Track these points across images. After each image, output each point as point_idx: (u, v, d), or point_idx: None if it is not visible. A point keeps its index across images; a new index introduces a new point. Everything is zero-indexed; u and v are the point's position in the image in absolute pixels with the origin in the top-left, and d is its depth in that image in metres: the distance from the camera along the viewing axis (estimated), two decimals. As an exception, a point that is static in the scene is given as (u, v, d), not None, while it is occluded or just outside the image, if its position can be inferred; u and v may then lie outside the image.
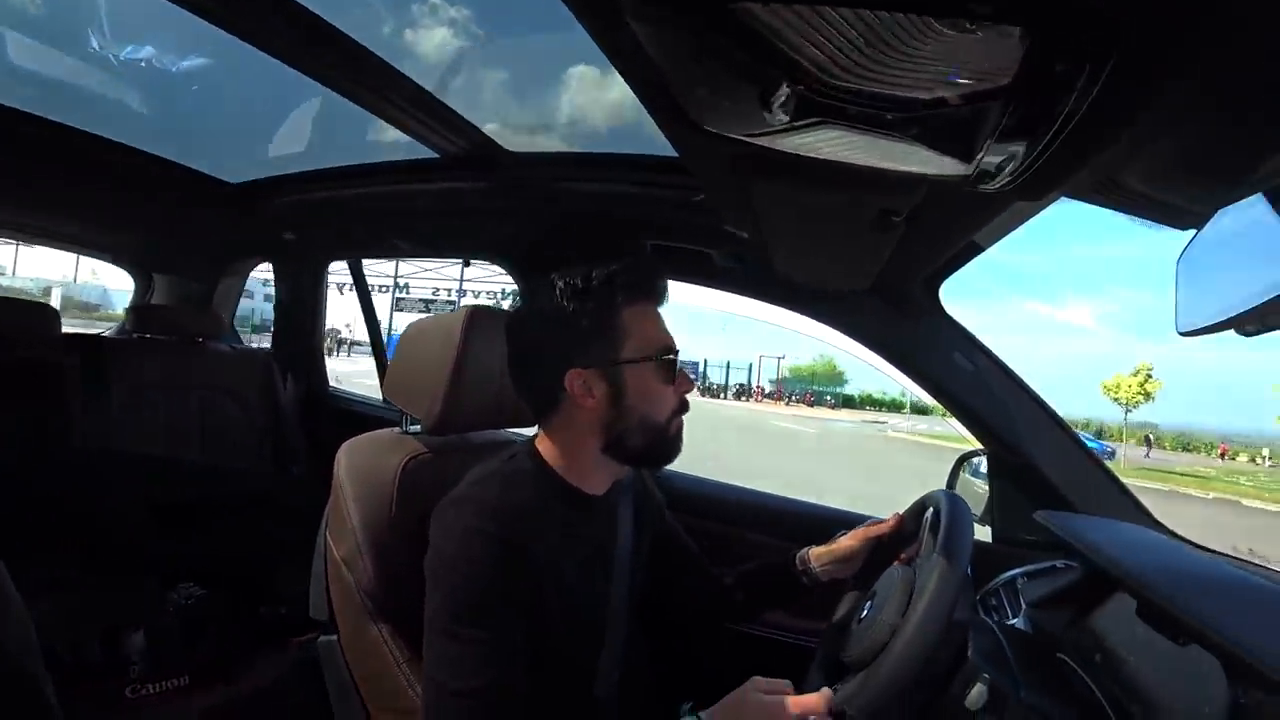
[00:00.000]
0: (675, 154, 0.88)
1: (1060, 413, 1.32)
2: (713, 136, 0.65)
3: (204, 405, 2.16)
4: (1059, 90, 0.49)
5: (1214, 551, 1.19)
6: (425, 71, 1.23)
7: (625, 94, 0.85)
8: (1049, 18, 0.41)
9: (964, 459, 1.65)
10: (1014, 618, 1.13)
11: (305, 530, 1.17)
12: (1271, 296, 0.50)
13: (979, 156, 0.61)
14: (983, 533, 1.36)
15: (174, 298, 2.69)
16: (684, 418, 0.90)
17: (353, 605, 0.99)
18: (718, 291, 1.51)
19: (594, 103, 1.28)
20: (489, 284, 19.15)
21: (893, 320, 1.35)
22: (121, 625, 1.77)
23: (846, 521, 1.20)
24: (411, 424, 1.12)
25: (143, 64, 1.54)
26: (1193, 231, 0.62)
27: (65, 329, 2.09)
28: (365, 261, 2.41)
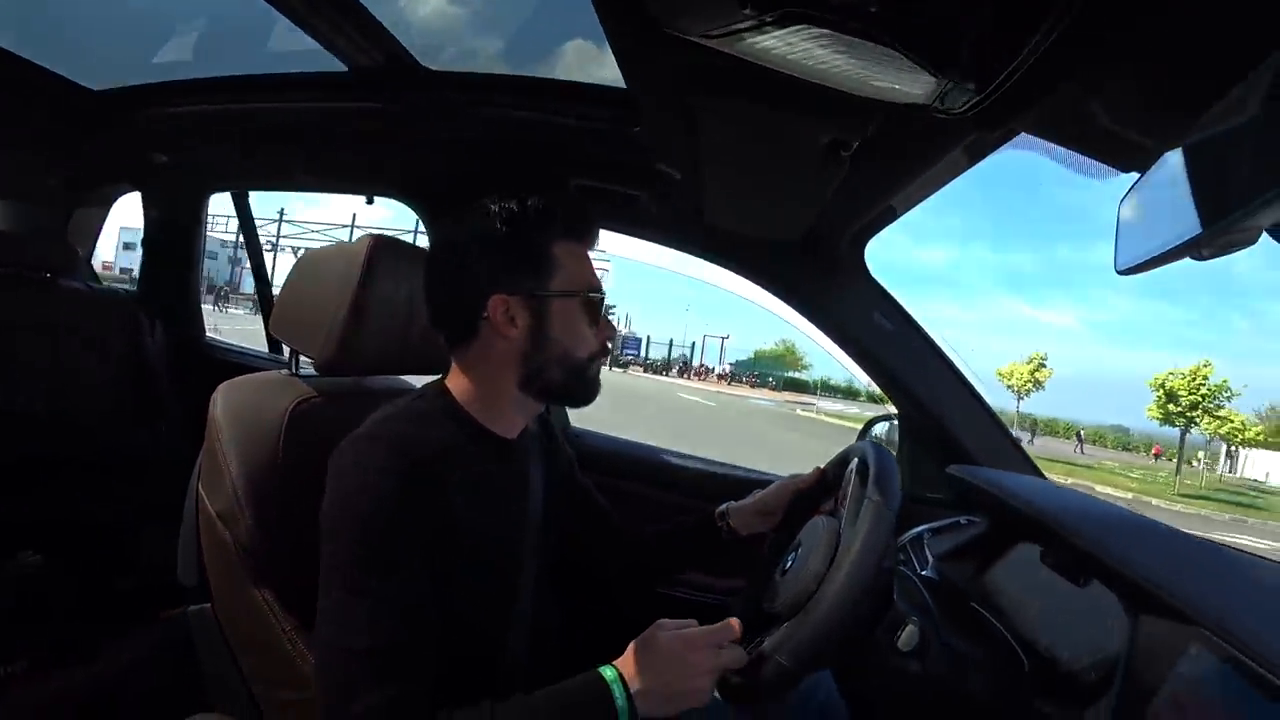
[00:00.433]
0: (610, 84, 0.82)
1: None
2: (667, 44, 0.58)
3: (53, 350, 1.84)
4: (1029, 19, 0.47)
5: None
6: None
7: (565, 9, 0.76)
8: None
9: (871, 424, 1.71)
10: (922, 570, 1.17)
11: (171, 491, 1.04)
12: (1231, 217, 0.49)
13: (941, 80, 0.58)
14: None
15: (20, 227, 2.28)
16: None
17: (230, 567, 0.88)
18: (641, 241, 1.45)
19: (527, 20, 1.16)
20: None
21: (817, 276, 1.34)
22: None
23: (761, 483, 1.19)
24: (303, 369, 1.00)
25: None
26: (1134, 175, 0.62)
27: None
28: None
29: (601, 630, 1.36)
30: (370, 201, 1.58)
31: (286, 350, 1.01)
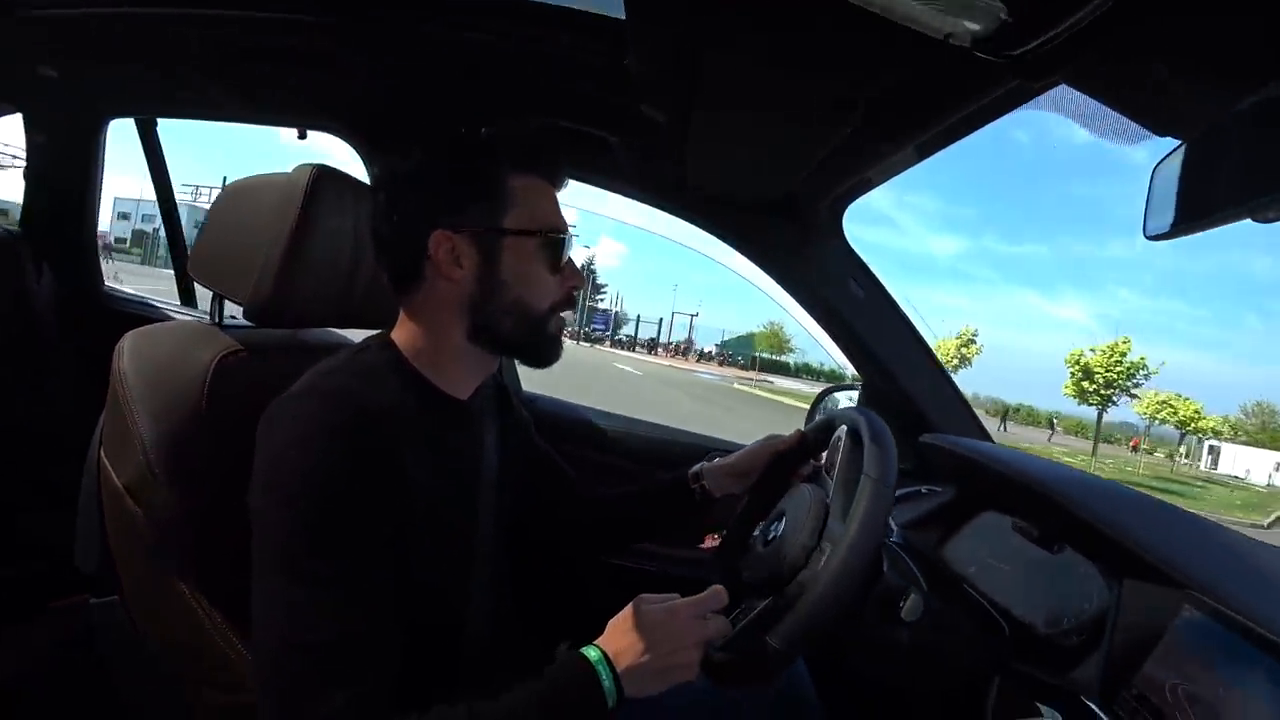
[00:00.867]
0: (595, 10, 0.73)
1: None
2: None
3: None
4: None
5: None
6: None
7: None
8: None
9: (825, 394, 1.71)
10: (888, 539, 1.18)
11: (63, 461, 0.90)
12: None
13: (1008, 14, 0.53)
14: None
15: None
16: None
17: (143, 550, 0.76)
18: (609, 194, 1.35)
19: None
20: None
21: (794, 239, 1.30)
22: None
23: (720, 450, 1.15)
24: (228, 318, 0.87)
25: None
26: (1173, 141, 0.60)
27: None
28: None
29: (554, 603, 1.32)
30: (303, 136, 1.38)
31: (207, 302, 0.87)
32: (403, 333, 0.76)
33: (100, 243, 2.06)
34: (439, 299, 0.73)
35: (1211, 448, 46.87)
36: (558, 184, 0.78)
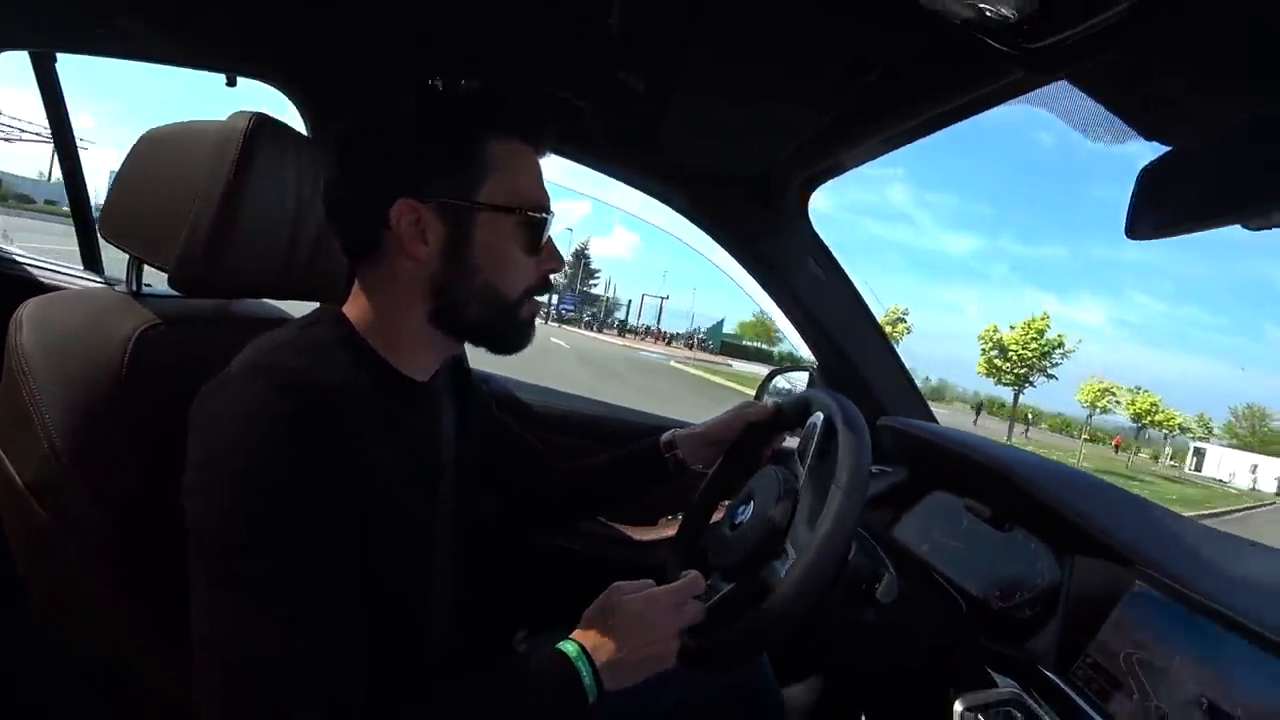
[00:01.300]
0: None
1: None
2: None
3: None
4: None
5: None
6: None
7: None
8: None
9: (773, 374, 1.73)
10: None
11: None
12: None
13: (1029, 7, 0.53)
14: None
15: None
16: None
17: (52, 558, 0.65)
18: (567, 162, 1.28)
19: None
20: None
21: (760, 218, 1.29)
22: None
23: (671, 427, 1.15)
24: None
25: None
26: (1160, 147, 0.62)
27: None
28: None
29: (509, 588, 1.28)
30: (232, 83, 1.19)
31: (117, 269, 0.75)
32: (357, 307, 0.68)
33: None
34: (398, 276, 0.65)
35: (1197, 450, 47.16)
36: (542, 151, 0.70)
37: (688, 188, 1.25)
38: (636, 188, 1.26)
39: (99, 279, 1.56)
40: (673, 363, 27.16)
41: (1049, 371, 25.30)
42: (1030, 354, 25.08)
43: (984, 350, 25.84)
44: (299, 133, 0.79)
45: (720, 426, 0.98)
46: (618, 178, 1.24)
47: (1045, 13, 0.54)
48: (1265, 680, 0.58)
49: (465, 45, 1.01)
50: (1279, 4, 0.48)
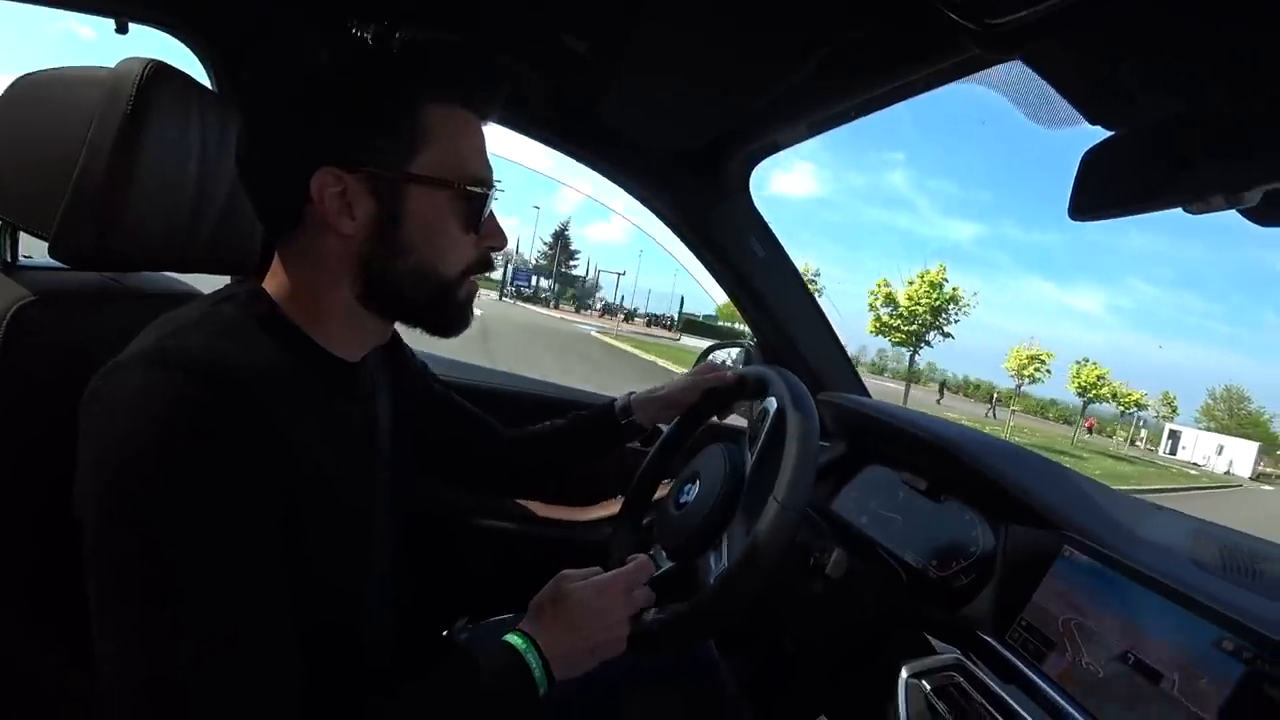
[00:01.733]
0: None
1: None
2: None
3: None
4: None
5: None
6: None
7: None
8: None
9: (711, 350, 1.74)
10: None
11: None
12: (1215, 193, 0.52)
13: None
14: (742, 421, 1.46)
15: None
16: None
17: None
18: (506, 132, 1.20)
19: None
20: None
21: (704, 193, 1.26)
22: None
23: (589, 403, 1.14)
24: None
25: None
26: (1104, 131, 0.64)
27: None
28: None
29: (444, 575, 1.23)
30: (123, 30, 1.00)
31: None
32: (277, 282, 0.60)
33: None
34: (322, 253, 0.58)
35: (1173, 432, 46.28)
36: (487, 115, 0.63)
37: (627, 159, 1.20)
38: (572, 157, 1.20)
39: None
40: (594, 333, 26.86)
41: (945, 329, 22.44)
42: (922, 310, 22.21)
43: (871, 306, 22.91)
44: (203, 85, 0.69)
45: (679, 391, 0.97)
46: (551, 145, 1.18)
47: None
48: (1177, 631, 0.62)
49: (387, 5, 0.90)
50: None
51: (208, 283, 0.71)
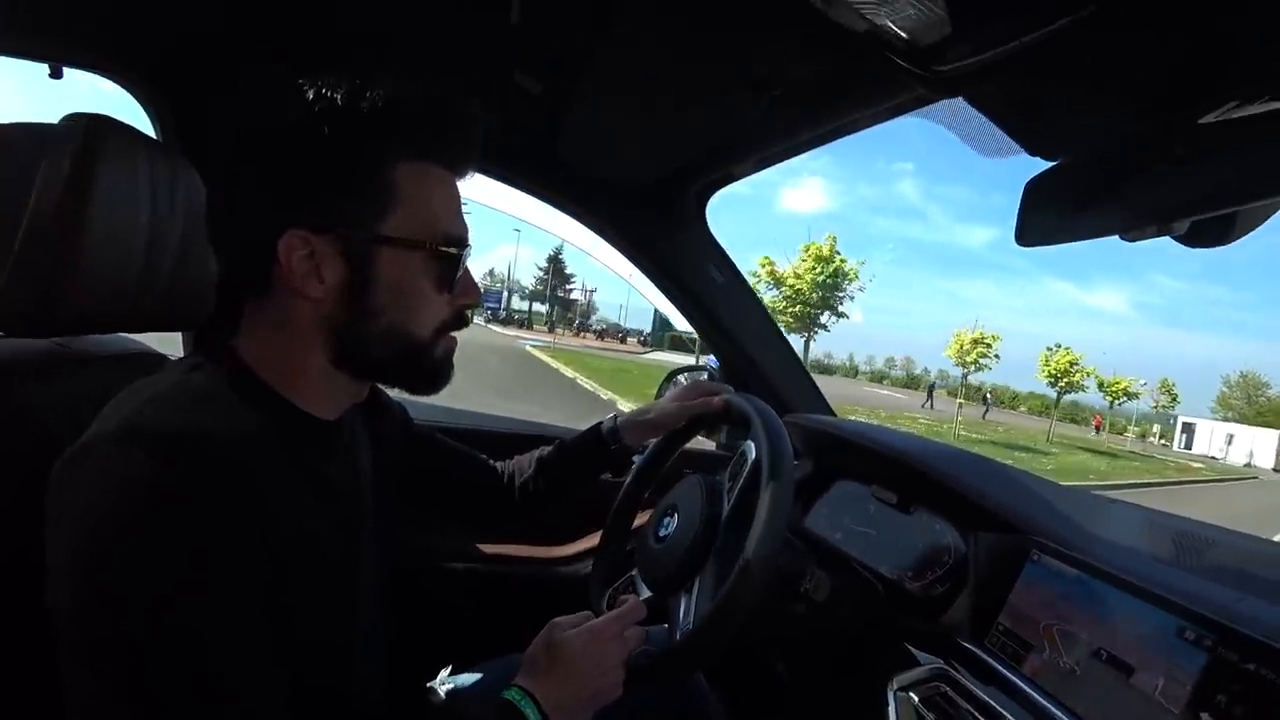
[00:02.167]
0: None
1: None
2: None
3: None
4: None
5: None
6: None
7: None
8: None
9: (675, 373, 1.76)
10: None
11: None
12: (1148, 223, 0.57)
13: (947, 29, 0.56)
14: (709, 444, 1.48)
15: None
16: None
17: None
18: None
19: None
20: None
21: (661, 225, 1.29)
22: None
23: (556, 436, 1.14)
24: None
25: None
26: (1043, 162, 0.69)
27: None
28: None
29: (426, 622, 1.19)
30: (57, 75, 0.93)
31: None
32: (249, 344, 0.58)
33: None
34: (291, 317, 0.57)
35: (1186, 425, 42.21)
36: (463, 174, 0.62)
37: (584, 195, 1.22)
38: (529, 194, 1.20)
39: None
40: (528, 347, 26.17)
41: (838, 308, 20.54)
42: (808, 287, 20.26)
43: (755, 275, 20.41)
44: (150, 137, 0.67)
45: (667, 416, 0.99)
46: (509, 183, 1.18)
47: (953, 38, 0.57)
48: (1143, 625, 0.66)
49: (352, 39, 0.89)
50: (1151, 31, 0.54)
51: (168, 341, 0.68)
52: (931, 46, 0.59)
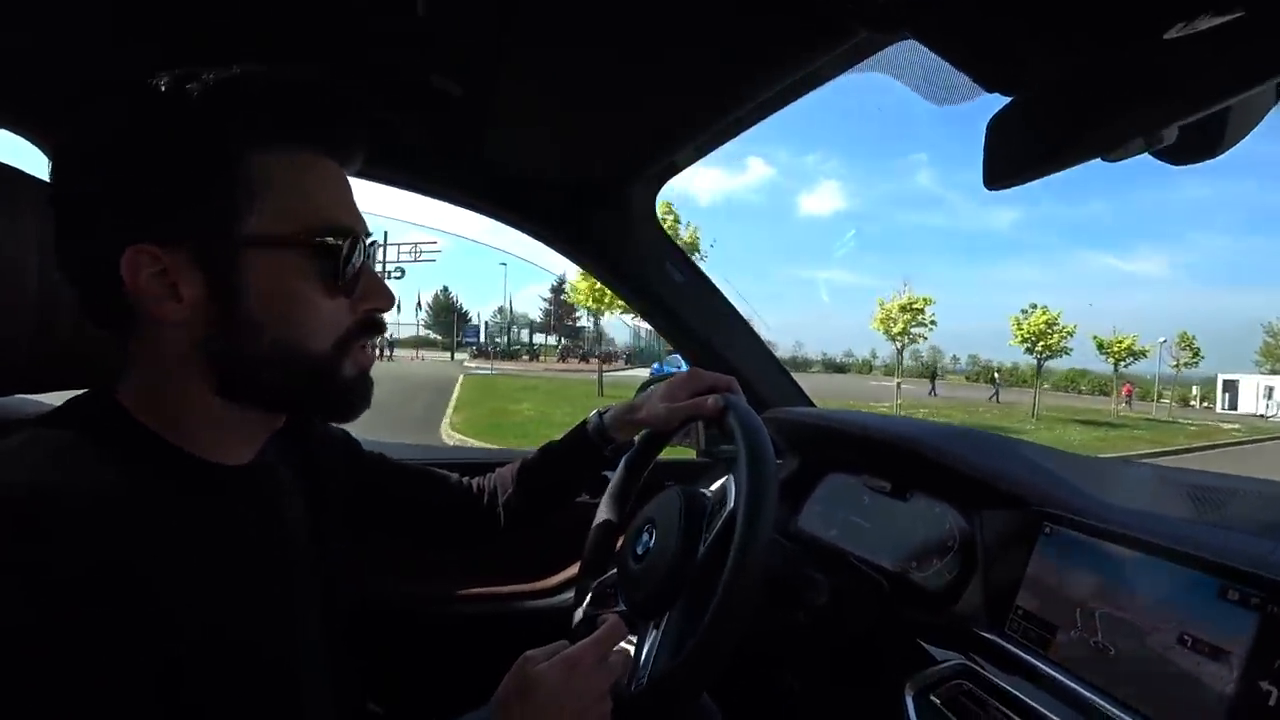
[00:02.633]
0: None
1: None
2: None
3: None
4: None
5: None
6: None
7: None
8: None
9: (647, 384, 1.69)
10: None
11: None
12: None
13: None
14: (688, 452, 1.40)
15: None
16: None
17: None
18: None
19: None
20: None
21: (609, 225, 1.22)
22: None
23: (496, 463, 1.06)
24: None
25: None
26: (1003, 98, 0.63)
27: None
28: None
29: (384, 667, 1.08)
30: None
31: None
32: (128, 386, 0.50)
33: None
34: (159, 345, 0.49)
35: (1227, 383, 37.81)
36: (345, 157, 0.53)
37: (520, 203, 1.14)
38: (457, 204, 1.12)
39: None
40: (462, 376, 25.47)
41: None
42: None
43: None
44: (38, 179, 0.59)
45: (658, 419, 0.86)
46: (431, 195, 1.10)
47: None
48: (1179, 589, 0.60)
49: (223, 32, 0.79)
50: None
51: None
52: None
